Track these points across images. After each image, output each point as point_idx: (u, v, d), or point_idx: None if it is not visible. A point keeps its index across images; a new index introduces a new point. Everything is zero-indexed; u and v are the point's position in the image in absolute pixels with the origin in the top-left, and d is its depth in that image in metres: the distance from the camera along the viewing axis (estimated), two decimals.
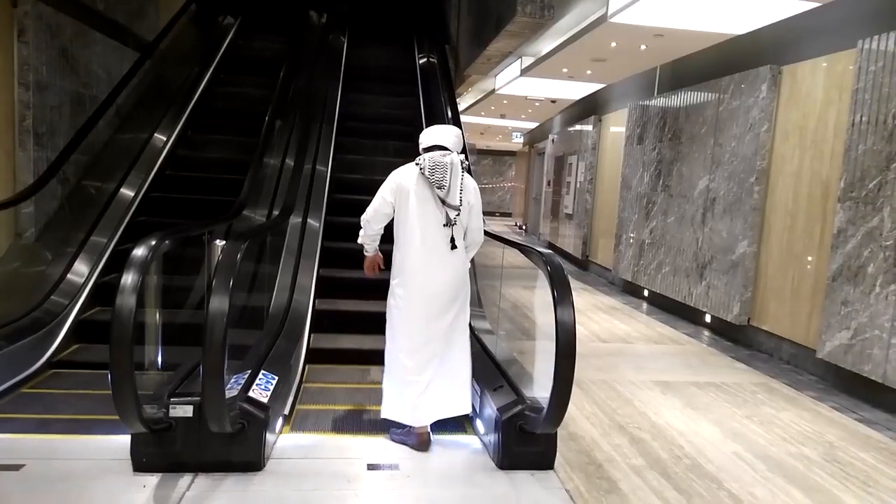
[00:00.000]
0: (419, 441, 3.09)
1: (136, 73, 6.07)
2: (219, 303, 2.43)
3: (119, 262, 4.86)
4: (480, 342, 4.00)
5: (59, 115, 5.17)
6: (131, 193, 5.60)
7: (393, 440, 3.17)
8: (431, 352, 3.08)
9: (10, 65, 4.73)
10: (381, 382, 3.23)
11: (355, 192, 5.38)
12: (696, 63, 7.04)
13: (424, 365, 3.07)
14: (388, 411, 3.12)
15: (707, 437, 3.47)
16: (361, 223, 3.26)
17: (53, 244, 4.81)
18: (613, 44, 6.44)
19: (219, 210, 3.98)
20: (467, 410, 3.15)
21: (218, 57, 8.04)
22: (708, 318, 6.53)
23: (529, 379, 3.31)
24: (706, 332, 6.38)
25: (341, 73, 7.85)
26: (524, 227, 18.98)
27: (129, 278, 2.46)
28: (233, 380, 3.03)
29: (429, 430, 3.12)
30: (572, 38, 6.58)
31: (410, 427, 3.10)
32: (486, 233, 3.97)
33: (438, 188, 3.07)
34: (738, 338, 6.02)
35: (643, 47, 6.50)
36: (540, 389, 3.12)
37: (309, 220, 5.23)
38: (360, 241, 3.31)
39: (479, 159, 25.27)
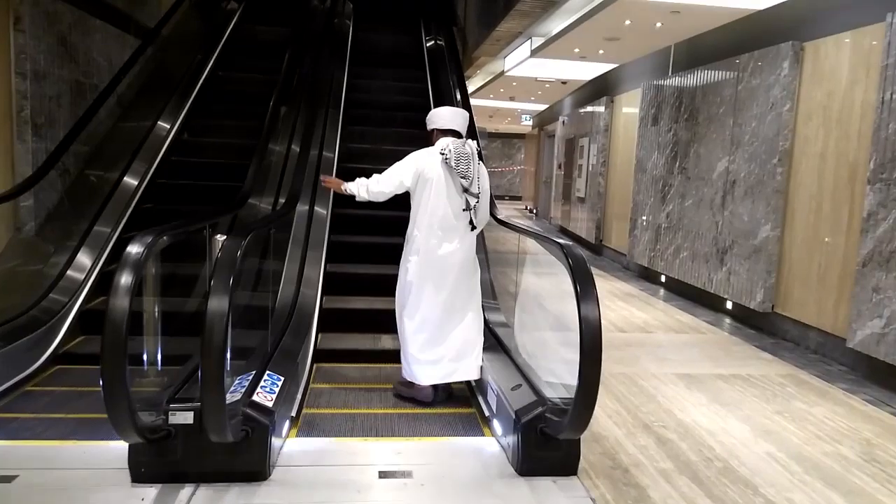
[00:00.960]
0: (425, 394, 3.47)
1: (138, 61, 5.91)
2: (218, 303, 2.27)
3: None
4: (496, 336, 3.84)
5: (58, 105, 5.01)
6: (135, 182, 5.47)
7: (401, 395, 3.56)
8: (448, 320, 3.40)
9: (7, 54, 4.56)
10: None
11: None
12: (713, 40, 6.77)
13: (440, 334, 3.39)
14: (407, 373, 3.48)
15: (737, 435, 3.30)
16: (366, 191, 3.46)
17: (54, 239, 4.68)
18: (628, 22, 6.18)
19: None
20: (476, 376, 3.48)
21: (221, 43, 7.85)
22: (729, 305, 6.33)
23: (550, 376, 3.15)
24: (727, 320, 6.18)
25: (347, 57, 7.66)
26: (534, 211, 18.75)
27: (123, 278, 2.29)
28: (237, 382, 2.89)
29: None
30: (585, 16, 6.32)
31: (420, 385, 3.46)
32: (501, 221, 3.84)
33: (463, 178, 3.32)
34: (761, 325, 5.82)
35: (658, 25, 6.24)
36: (561, 388, 2.96)
37: (316, 207, 5.10)
38: (351, 189, 3.51)
39: (489, 143, 24.96)
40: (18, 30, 4.55)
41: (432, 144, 3.48)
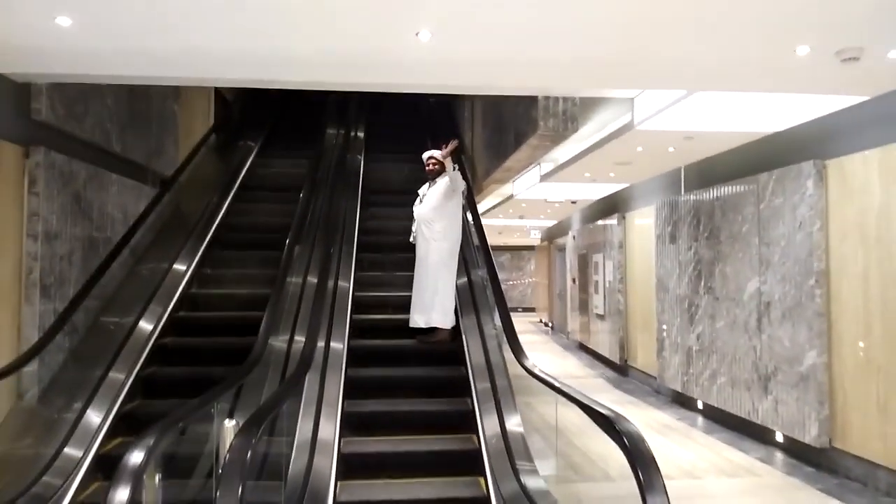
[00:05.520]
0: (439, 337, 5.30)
1: (153, 211, 5.91)
2: None
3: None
4: None
5: (69, 263, 4.90)
6: (149, 327, 5.28)
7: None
8: None
9: (20, 217, 4.50)
10: None
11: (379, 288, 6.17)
12: (725, 161, 6.76)
13: None
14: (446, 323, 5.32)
15: None
16: None
17: (57, 406, 4.42)
18: (640, 148, 6.22)
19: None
20: None
21: (238, 182, 7.98)
22: (779, 438, 5.82)
23: None
24: (780, 455, 5.66)
25: (359, 191, 7.71)
26: (550, 325, 18.34)
27: (118, 494, 2.01)
28: None
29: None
30: (596, 144, 6.38)
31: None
32: (534, 375, 3.58)
33: None
34: (819, 462, 5.30)
35: (671, 149, 6.26)
36: None
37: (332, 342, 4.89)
38: None
39: (498, 255, 25.04)
40: (32, 193, 4.51)
41: (438, 169, 5.55)
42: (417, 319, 5.32)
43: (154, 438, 2.22)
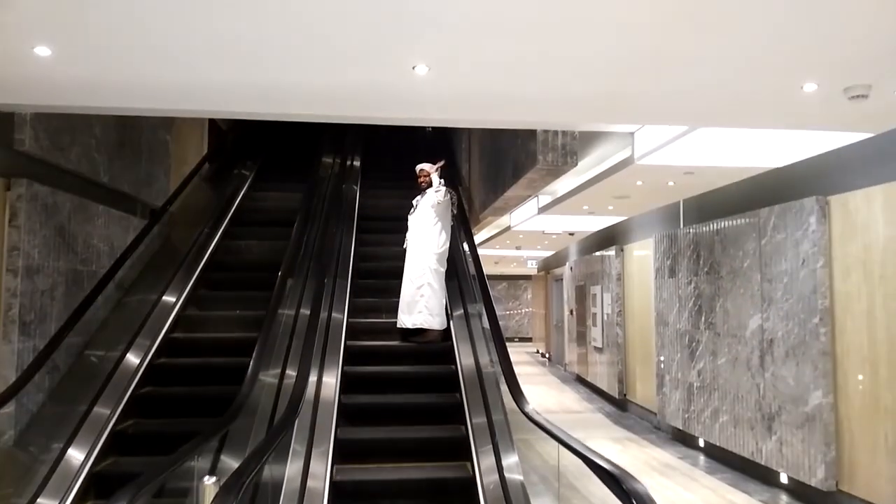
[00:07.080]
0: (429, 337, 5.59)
1: (142, 242, 5.76)
2: None
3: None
4: None
5: (50, 299, 4.72)
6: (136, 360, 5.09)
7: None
8: None
9: None
10: None
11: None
12: (725, 195, 6.68)
13: None
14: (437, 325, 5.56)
15: None
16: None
17: (37, 447, 4.20)
18: (639, 182, 6.14)
19: None
20: None
21: (231, 212, 7.82)
22: (784, 479, 5.64)
23: None
24: (785, 498, 5.48)
25: (355, 221, 7.59)
26: (547, 356, 18.11)
27: None
28: None
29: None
30: (595, 178, 6.30)
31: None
32: (536, 422, 3.42)
33: None
34: None
35: (671, 184, 6.19)
36: None
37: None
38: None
39: (494, 284, 24.87)
40: (13, 226, 4.34)
41: (427, 182, 6.06)
42: (404, 320, 5.60)
43: (127, 499, 2.05)
